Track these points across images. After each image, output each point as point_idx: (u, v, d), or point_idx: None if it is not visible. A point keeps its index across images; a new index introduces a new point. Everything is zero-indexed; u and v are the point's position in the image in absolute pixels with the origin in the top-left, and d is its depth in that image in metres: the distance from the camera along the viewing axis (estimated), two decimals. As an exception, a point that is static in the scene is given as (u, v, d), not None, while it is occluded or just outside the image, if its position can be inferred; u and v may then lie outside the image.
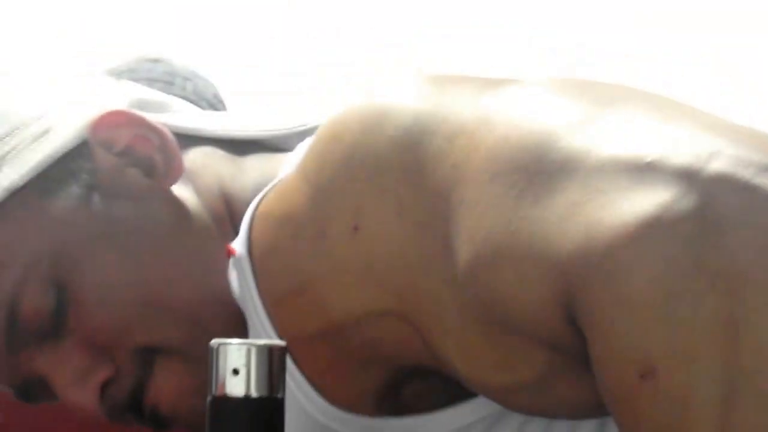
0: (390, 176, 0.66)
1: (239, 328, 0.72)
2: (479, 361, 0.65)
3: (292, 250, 0.69)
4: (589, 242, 0.58)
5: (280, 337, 0.72)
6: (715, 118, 0.64)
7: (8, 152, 0.73)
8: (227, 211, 0.78)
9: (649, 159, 0.58)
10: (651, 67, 4.16)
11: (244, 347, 0.61)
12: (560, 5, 3.84)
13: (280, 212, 0.71)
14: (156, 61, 1.37)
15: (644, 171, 0.58)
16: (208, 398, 0.63)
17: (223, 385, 0.61)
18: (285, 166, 0.76)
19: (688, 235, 0.56)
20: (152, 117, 0.78)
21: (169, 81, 1.27)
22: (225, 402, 0.61)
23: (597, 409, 0.65)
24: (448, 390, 0.73)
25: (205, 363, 0.68)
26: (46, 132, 0.74)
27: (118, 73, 1.24)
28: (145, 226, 0.74)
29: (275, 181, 0.74)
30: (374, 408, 0.72)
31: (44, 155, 0.73)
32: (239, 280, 0.73)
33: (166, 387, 0.74)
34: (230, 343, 0.62)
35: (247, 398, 0.61)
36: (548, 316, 0.60)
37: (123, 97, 0.80)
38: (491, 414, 0.72)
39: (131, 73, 1.31)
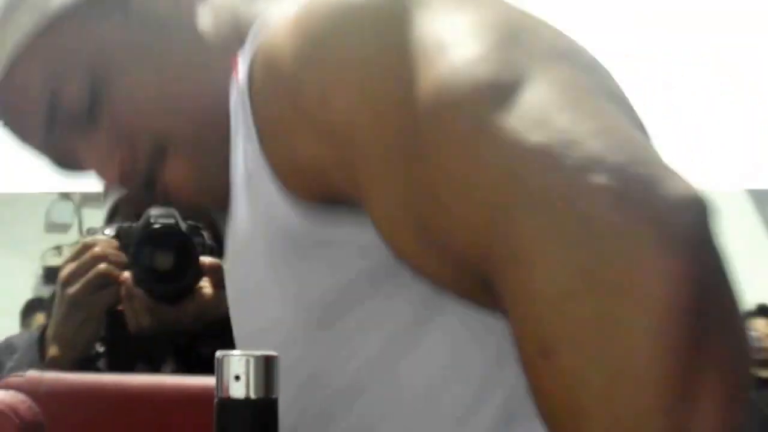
0: (365, 52, 0.73)
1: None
2: (395, 238, 0.73)
3: (274, 93, 0.79)
4: (504, 229, 0.65)
5: (261, 142, 0.80)
6: (612, 114, 0.68)
7: None
8: (237, 36, 0.88)
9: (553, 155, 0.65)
10: (651, 66, 4.09)
11: (244, 357, 0.68)
12: (560, 4, 3.79)
13: (269, 56, 0.80)
14: None
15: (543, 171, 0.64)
16: (215, 400, 0.69)
17: (227, 389, 0.67)
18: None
19: (578, 241, 0.63)
20: None
21: None
22: (229, 403, 0.68)
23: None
24: None
25: (206, 158, 0.86)
26: None
27: None
28: (165, 39, 0.89)
29: (278, 16, 0.82)
30: (318, 206, 0.79)
31: None
32: (235, 94, 0.84)
33: (174, 174, 0.89)
34: (232, 354, 0.69)
35: (247, 399, 0.67)
36: (467, 258, 0.69)
37: None
38: None
39: None
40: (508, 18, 0.76)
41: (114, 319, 1.30)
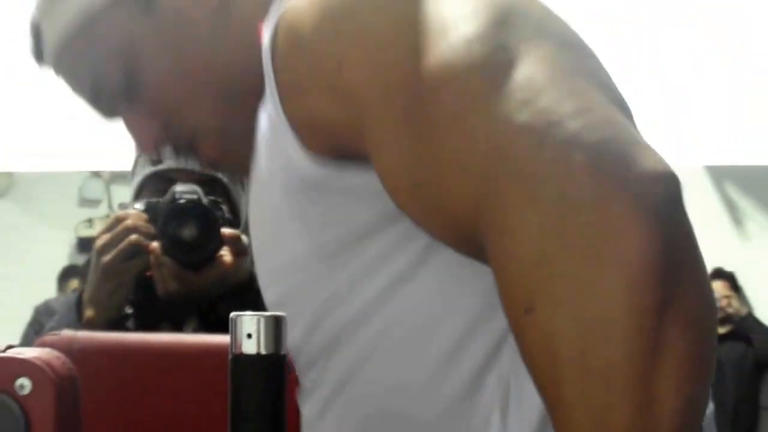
0: (369, 49, 0.79)
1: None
2: (399, 196, 0.79)
3: (294, 60, 0.85)
4: (491, 192, 0.71)
5: (281, 102, 0.86)
6: (593, 95, 0.73)
7: None
8: (263, 6, 0.92)
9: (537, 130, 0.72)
10: (637, 28, 3.98)
11: (255, 317, 0.74)
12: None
13: (292, 24, 0.86)
14: None
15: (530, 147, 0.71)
16: (229, 356, 0.75)
17: (240, 346, 0.74)
18: None
19: (556, 212, 0.70)
20: None
21: None
22: (241, 358, 0.74)
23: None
24: None
25: (238, 137, 0.93)
26: None
27: None
28: (190, 29, 0.94)
29: None
30: (333, 158, 0.85)
31: None
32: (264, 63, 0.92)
33: (208, 149, 0.97)
34: (245, 315, 0.74)
35: (258, 355, 0.73)
36: (455, 232, 0.76)
37: None
38: None
39: None
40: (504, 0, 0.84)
41: (143, 284, 1.40)
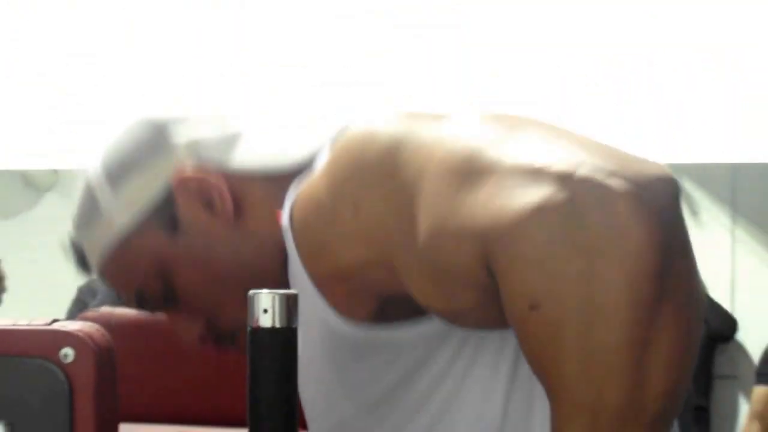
0: (377, 176, 0.86)
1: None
2: (430, 295, 0.84)
3: (315, 221, 0.89)
4: (500, 219, 0.77)
5: (311, 277, 0.91)
6: (585, 138, 0.81)
7: (128, 203, 0.98)
8: (277, 198, 0.97)
9: (537, 166, 0.77)
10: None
11: (271, 295, 0.79)
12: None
13: (309, 195, 0.91)
14: None
15: (535, 174, 0.76)
16: (248, 329, 0.79)
17: (258, 319, 0.78)
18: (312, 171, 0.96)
19: (562, 216, 0.75)
20: (213, 163, 0.98)
21: None
22: (258, 331, 0.79)
23: (500, 326, 0.84)
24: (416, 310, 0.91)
25: None
26: (148, 187, 0.99)
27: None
28: (213, 242, 0.98)
29: (306, 179, 0.93)
30: (371, 319, 0.91)
31: (152, 202, 0.98)
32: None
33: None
34: (261, 293, 0.79)
35: (273, 328, 0.78)
36: (474, 266, 0.79)
37: (190, 149, 1.00)
38: (440, 329, 0.91)
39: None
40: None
41: None
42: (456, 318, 0.87)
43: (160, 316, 1.08)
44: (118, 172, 0.99)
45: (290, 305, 0.79)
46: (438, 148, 0.84)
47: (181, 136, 1.01)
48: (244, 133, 1.02)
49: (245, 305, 1.00)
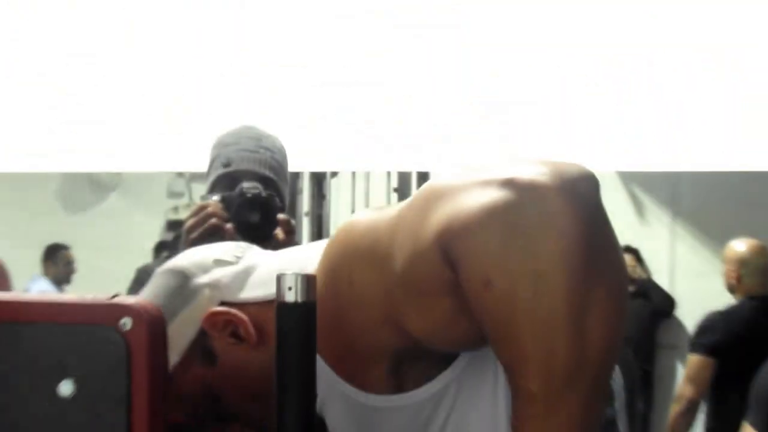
0: (363, 251, 0.95)
1: None
2: (415, 321, 0.94)
3: (318, 307, 0.93)
4: (455, 219, 0.85)
5: (324, 358, 1.01)
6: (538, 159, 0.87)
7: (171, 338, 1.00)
8: None
9: (484, 178, 0.86)
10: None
11: (294, 275, 0.87)
12: None
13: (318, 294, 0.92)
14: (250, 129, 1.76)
15: (483, 184, 0.86)
16: (275, 303, 0.88)
17: (284, 295, 0.87)
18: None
19: (506, 209, 0.84)
20: (233, 298, 1.08)
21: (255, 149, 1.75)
22: (284, 305, 0.87)
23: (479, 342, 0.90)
24: (426, 371, 1.00)
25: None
26: (185, 329, 1.07)
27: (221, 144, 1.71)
28: (245, 365, 1.05)
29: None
30: (384, 388, 0.99)
31: (187, 339, 1.07)
32: None
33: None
34: (287, 273, 0.87)
35: (296, 303, 0.87)
36: (439, 266, 0.87)
37: (213, 289, 1.09)
38: (452, 380, 0.99)
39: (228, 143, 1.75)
40: None
41: None
42: (445, 338, 0.95)
43: None
44: None
45: (310, 284, 0.87)
46: (405, 211, 0.95)
47: (203, 278, 1.10)
48: (256, 265, 1.10)
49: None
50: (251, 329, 1.06)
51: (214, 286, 1.09)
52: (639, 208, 5.66)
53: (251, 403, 1.08)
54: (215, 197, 1.75)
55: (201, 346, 1.07)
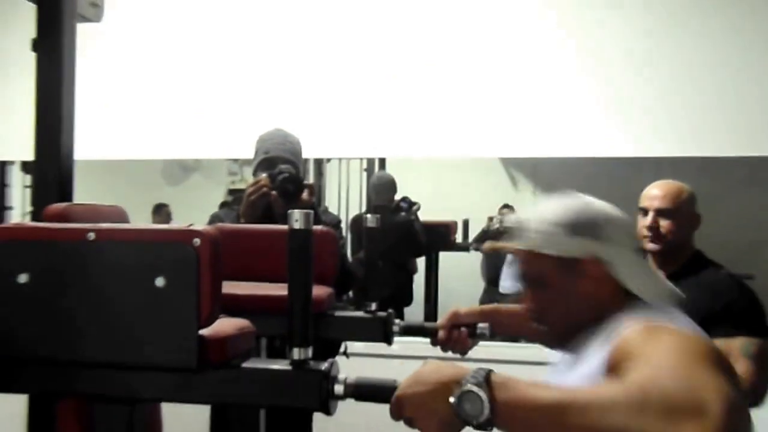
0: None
1: None
2: None
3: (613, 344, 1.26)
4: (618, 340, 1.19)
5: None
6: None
7: None
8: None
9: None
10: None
11: (300, 213, 1.15)
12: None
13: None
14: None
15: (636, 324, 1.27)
16: (288, 231, 1.13)
17: (293, 225, 1.16)
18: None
19: (643, 332, 1.27)
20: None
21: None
22: (293, 231, 1.16)
23: None
24: None
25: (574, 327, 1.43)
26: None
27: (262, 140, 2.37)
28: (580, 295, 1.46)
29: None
30: None
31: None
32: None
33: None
34: (295, 211, 1.14)
35: (300, 229, 1.16)
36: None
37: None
38: None
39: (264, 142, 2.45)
40: None
41: (267, 209, 2.41)
42: None
43: (253, 227, 1.78)
44: None
45: (309, 218, 1.13)
46: None
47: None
48: None
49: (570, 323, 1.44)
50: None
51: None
52: (514, 181, 6.93)
53: (562, 316, 1.39)
54: (264, 174, 2.42)
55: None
